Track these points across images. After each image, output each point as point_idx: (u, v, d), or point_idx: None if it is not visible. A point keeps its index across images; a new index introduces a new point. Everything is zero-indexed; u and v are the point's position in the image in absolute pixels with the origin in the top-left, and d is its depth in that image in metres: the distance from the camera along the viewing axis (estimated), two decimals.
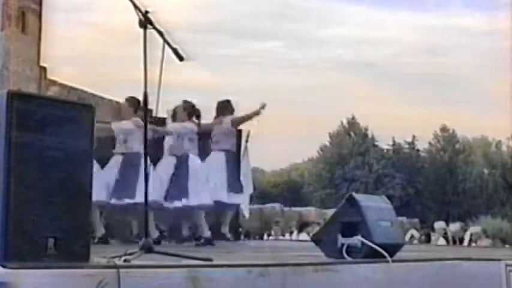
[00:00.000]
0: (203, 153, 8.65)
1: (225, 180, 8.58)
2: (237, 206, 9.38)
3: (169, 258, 3.75)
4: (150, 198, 4.40)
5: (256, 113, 8.64)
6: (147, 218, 3.92)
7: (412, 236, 17.36)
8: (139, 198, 7.32)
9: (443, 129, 50.47)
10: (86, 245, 3.33)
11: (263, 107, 8.57)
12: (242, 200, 8.99)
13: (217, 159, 8.64)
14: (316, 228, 11.06)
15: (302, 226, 18.92)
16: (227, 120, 8.76)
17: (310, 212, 29.69)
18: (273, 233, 20.62)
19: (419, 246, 11.47)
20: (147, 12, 3.89)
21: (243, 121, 8.95)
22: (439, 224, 17.01)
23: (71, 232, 3.26)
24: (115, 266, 3.10)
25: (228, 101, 8.92)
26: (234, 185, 8.78)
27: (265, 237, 19.77)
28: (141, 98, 3.95)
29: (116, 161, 8.11)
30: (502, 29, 56.60)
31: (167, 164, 8.30)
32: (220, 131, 8.71)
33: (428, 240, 16.32)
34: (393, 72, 74.42)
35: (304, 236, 16.68)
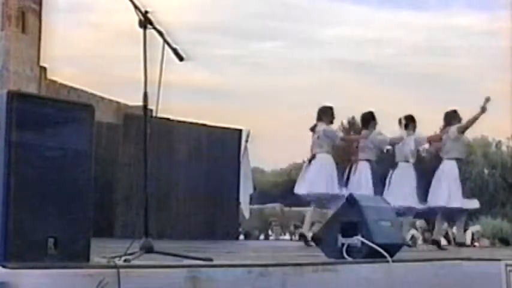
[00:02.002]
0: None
1: (459, 186, 8.91)
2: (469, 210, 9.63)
3: (169, 258, 3.75)
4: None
5: (482, 112, 8.83)
6: (147, 217, 3.92)
7: (412, 237, 17.35)
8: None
9: (443, 129, 50.36)
10: (86, 245, 3.32)
11: (488, 100, 8.73)
12: (473, 205, 9.24)
13: (450, 167, 8.98)
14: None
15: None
16: (453, 129, 9.02)
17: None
18: (270, 232, 20.63)
19: (421, 247, 11.45)
20: (147, 12, 3.89)
21: (469, 126, 9.15)
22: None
23: (71, 232, 3.26)
24: (115, 266, 3.10)
25: (455, 111, 9.23)
26: (467, 191, 9.19)
27: (261, 237, 19.77)
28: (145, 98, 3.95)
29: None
30: (502, 29, 56.69)
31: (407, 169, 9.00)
32: (448, 140, 9.03)
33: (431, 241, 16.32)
34: (393, 72, 74.49)
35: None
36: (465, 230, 16.29)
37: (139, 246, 3.71)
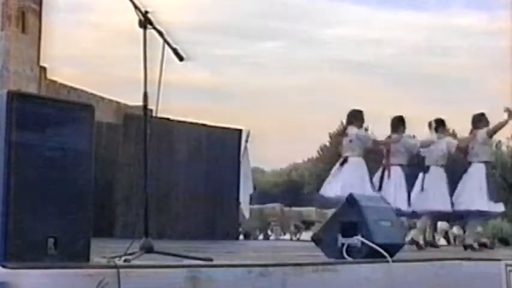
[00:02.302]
0: None
1: (485, 190, 8.95)
2: (498, 214, 9.81)
3: (169, 258, 3.75)
4: None
5: (510, 117, 8.89)
6: (147, 217, 3.92)
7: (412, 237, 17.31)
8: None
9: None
10: (86, 245, 3.32)
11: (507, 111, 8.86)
12: (498, 208, 9.27)
13: (478, 170, 9.03)
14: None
15: (309, 225, 18.91)
16: (482, 132, 9.04)
17: (310, 212, 29.66)
18: (270, 232, 20.62)
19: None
20: (147, 12, 3.89)
21: (497, 130, 9.20)
22: (442, 225, 17.03)
23: (71, 232, 3.26)
24: (115, 266, 3.10)
25: (483, 114, 9.19)
26: (493, 195, 9.10)
27: (260, 237, 19.76)
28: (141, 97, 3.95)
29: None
30: (502, 29, 56.70)
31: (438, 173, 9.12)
32: (476, 144, 9.07)
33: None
34: (393, 72, 74.51)
35: (306, 235, 16.69)
36: (465, 231, 16.33)
37: (139, 246, 3.71)
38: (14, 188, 3.08)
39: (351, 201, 5.05)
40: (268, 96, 78.55)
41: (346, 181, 8.50)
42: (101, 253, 3.62)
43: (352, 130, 8.82)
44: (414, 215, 9.20)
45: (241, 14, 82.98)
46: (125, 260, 3.45)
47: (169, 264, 3.50)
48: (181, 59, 3.97)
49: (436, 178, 9.03)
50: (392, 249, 4.88)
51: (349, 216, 4.97)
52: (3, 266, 2.87)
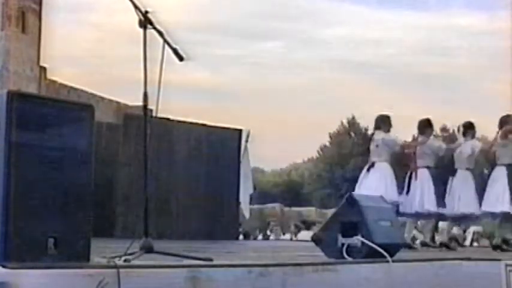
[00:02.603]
0: None
1: (507, 191, 8.98)
2: None
3: (169, 258, 3.75)
4: None
5: None
6: (147, 217, 3.92)
7: (413, 237, 17.31)
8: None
9: (443, 129, 50.41)
10: (86, 245, 3.32)
11: None
12: None
13: (499, 172, 9.10)
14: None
15: (309, 225, 18.92)
16: (501, 134, 9.10)
17: (310, 212, 29.70)
18: (269, 232, 20.63)
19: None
20: (147, 12, 3.89)
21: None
22: (442, 225, 16.99)
23: (71, 232, 3.26)
24: (115, 266, 3.10)
25: (508, 116, 9.25)
26: None
27: (260, 237, 19.76)
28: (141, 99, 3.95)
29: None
30: (502, 29, 56.70)
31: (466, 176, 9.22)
32: (499, 146, 9.14)
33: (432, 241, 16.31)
34: (393, 72, 74.51)
35: (304, 235, 16.69)
36: (465, 230, 16.33)
37: (139, 246, 3.71)
38: (14, 188, 3.08)
39: (351, 201, 5.04)
40: (268, 96, 78.61)
41: (372, 186, 8.59)
42: (101, 253, 3.62)
43: (379, 135, 8.92)
44: (442, 217, 9.31)
45: (241, 14, 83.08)
46: (125, 260, 3.44)
47: (169, 264, 3.50)
48: (181, 59, 3.97)
49: (462, 181, 9.11)
50: (392, 249, 4.88)
51: (349, 216, 4.96)
52: (3, 266, 2.86)
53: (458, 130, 9.39)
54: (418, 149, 8.99)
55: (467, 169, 9.20)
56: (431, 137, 9.24)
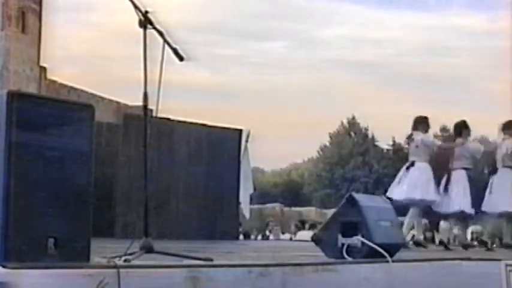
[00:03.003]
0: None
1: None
2: None
3: (169, 258, 3.75)
4: None
5: None
6: (147, 217, 3.92)
7: (413, 236, 17.31)
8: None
9: (443, 129, 50.41)
10: (86, 245, 3.32)
11: None
12: None
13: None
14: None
15: (309, 225, 18.89)
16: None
17: (310, 212, 29.70)
18: (268, 233, 20.60)
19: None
20: (147, 12, 3.88)
21: None
22: (443, 225, 17.01)
23: (71, 232, 3.26)
24: (115, 266, 3.10)
25: None
26: None
27: (259, 237, 19.75)
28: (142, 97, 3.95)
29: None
30: (502, 29, 56.71)
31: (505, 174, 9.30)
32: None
33: (433, 241, 16.36)
34: (393, 72, 74.53)
35: (302, 235, 16.67)
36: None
37: (139, 246, 3.71)
38: (14, 188, 3.08)
39: (351, 201, 5.04)
40: (268, 96, 78.61)
41: (411, 185, 8.81)
42: (101, 253, 3.62)
43: (418, 136, 9.05)
44: (482, 216, 9.39)
45: (241, 14, 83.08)
46: (125, 260, 3.44)
47: (169, 264, 3.49)
48: (181, 59, 3.97)
49: (502, 180, 9.18)
50: (392, 249, 4.88)
51: (349, 216, 4.96)
52: (3, 266, 2.86)
53: (499, 130, 9.44)
54: (456, 151, 9.12)
55: (505, 167, 9.24)
56: (469, 138, 9.35)
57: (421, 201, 8.95)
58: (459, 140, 9.15)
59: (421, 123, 9.11)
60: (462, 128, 9.21)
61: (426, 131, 9.16)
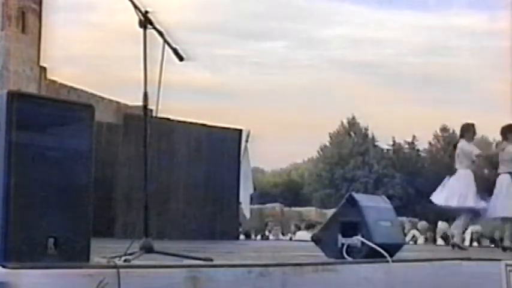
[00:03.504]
0: None
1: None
2: None
3: (169, 258, 3.75)
4: None
5: None
6: (147, 217, 3.92)
7: (413, 236, 17.35)
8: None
9: (443, 129, 50.42)
10: (86, 245, 3.32)
11: None
12: None
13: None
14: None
15: (309, 226, 18.88)
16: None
17: (310, 212, 29.68)
18: (267, 233, 20.59)
19: (419, 247, 11.44)
20: (147, 12, 3.89)
21: None
22: (441, 225, 17.05)
23: (71, 232, 3.26)
24: (115, 266, 3.10)
25: None
26: None
27: (258, 237, 19.74)
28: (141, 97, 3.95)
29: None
30: (502, 29, 56.69)
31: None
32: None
33: (435, 241, 16.43)
34: (393, 72, 74.54)
35: (300, 235, 16.67)
36: (464, 230, 16.32)
37: (139, 246, 3.71)
38: (14, 188, 3.08)
39: (351, 201, 5.04)
40: (268, 96, 78.64)
41: (449, 192, 8.99)
42: (101, 253, 3.62)
43: (461, 143, 9.25)
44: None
45: (241, 14, 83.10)
46: (125, 260, 3.45)
47: (169, 264, 3.49)
48: (181, 59, 3.97)
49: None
50: (392, 249, 4.88)
51: (349, 216, 4.96)
52: (3, 266, 2.87)
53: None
54: (500, 155, 9.19)
55: None
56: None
57: (459, 209, 9.10)
58: (503, 144, 9.25)
59: (467, 131, 9.30)
60: (505, 133, 9.25)
61: (472, 138, 9.33)
